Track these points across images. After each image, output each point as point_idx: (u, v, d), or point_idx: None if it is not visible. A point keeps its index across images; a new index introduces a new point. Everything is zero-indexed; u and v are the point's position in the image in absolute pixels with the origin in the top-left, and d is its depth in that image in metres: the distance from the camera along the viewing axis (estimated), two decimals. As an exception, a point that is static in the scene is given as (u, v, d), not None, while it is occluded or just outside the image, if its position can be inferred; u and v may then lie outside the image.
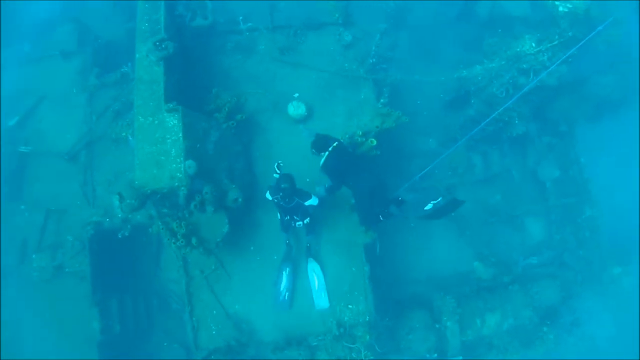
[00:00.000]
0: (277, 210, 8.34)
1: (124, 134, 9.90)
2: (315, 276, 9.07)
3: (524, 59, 9.94)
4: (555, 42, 9.71)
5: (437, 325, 10.00)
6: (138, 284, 10.88)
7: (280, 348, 8.55)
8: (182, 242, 8.03)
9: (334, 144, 7.82)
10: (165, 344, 10.78)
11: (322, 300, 9.03)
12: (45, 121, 10.98)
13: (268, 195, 8.04)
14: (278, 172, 7.98)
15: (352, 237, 9.29)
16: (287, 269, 9.08)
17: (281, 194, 7.70)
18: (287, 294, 9.00)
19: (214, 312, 9.18)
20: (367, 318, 8.96)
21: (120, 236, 9.50)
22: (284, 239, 9.11)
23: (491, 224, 11.68)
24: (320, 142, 7.84)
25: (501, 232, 11.76)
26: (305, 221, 8.41)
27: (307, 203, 7.93)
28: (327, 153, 7.79)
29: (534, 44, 9.85)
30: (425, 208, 8.02)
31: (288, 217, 8.29)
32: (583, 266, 11.27)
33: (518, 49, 9.94)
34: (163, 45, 8.16)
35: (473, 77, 10.64)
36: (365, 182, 7.94)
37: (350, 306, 9.10)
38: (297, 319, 9.08)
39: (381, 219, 8.11)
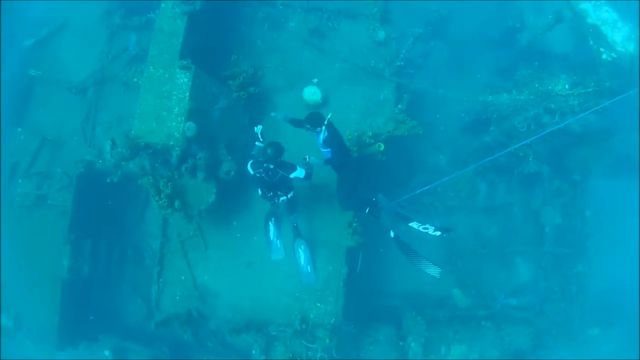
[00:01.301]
0: (258, 185, 7.75)
1: (135, 79, 9.67)
2: (302, 253, 8.79)
3: (553, 98, 9.63)
4: (590, 90, 9.37)
5: (401, 343, 9.85)
6: (117, 232, 10.78)
7: (238, 330, 8.40)
8: (164, 202, 7.88)
9: (328, 117, 7.38)
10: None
11: (309, 277, 8.81)
12: (61, 50, 10.77)
13: (249, 168, 7.44)
14: (261, 140, 7.57)
15: (337, 238, 9.06)
16: (272, 218, 8.69)
17: (265, 165, 7.22)
18: (278, 241, 8.74)
19: (183, 277, 9.09)
20: (333, 320, 8.78)
21: (109, 181, 9.33)
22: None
23: (480, 255, 11.40)
24: (315, 117, 7.39)
25: (488, 265, 11.46)
26: (289, 195, 7.92)
27: (292, 175, 7.41)
28: (324, 127, 7.30)
29: (567, 86, 9.52)
30: (411, 225, 8.06)
31: (271, 194, 7.80)
32: (562, 319, 10.96)
33: (550, 87, 9.62)
34: (191, 0, 7.90)
35: (498, 104, 10.31)
36: (352, 168, 7.86)
37: (318, 304, 8.93)
38: (263, 304, 8.95)
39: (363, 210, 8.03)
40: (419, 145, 11.50)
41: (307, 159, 7.53)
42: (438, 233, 7.99)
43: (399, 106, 9.47)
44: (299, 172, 7.39)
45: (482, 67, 12.21)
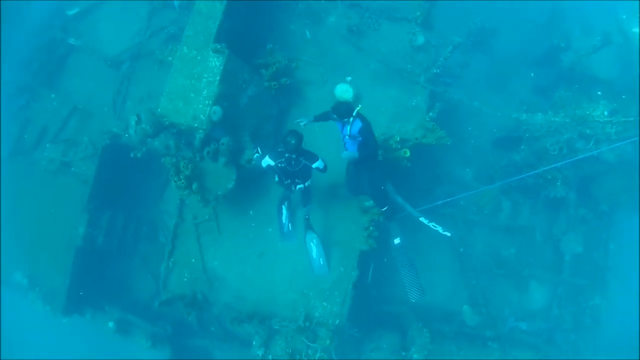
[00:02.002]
0: (277, 172, 7.51)
1: (170, 58, 9.67)
2: (314, 247, 8.68)
3: (590, 123, 9.34)
4: (631, 119, 9.05)
5: (403, 353, 9.68)
6: (135, 207, 10.90)
7: (240, 320, 8.35)
8: (182, 182, 7.87)
9: (359, 108, 7.17)
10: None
11: (321, 268, 8.73)
12: (101, 21, 10.89)
13: (268, 160, 7.28)
14: (259, 153, 7.64)
15: (352, 239, 8.93)
16: (286, 202, 8.70)
17: (287, 155, 7.08)
18: (290, 224, 8.78)
19: (193, 260, 9.09)
20: (337, 322, 8.68)
21: (132, 155, 9.38)
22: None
23: (495, 275, 11.16)
24: (343, 107, 7.16)
25: (502, 286, 11.23)
26: (306, 184, 7.77)
27: (314, 165, 7.28)
28: (351, 118, 7.10)
29: (606, 112, 9.22)
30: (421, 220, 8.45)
31: (289, 181, 7.62)
32: (571, 350, 10.69)
33: (588, 112, 9.34)
34: (232, -15, 7.89)
35: (531, 124, 10.08)
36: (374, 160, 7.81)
37: (325, 304, 8.83)
38: (269, 297, 8.90)
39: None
40: (447, 156, 11.35)
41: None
42: (448, 233, 8.37)
43: (430, 114, 9.29)
44: (320, 163, 7.30)
45: (521, 84, 11.98)
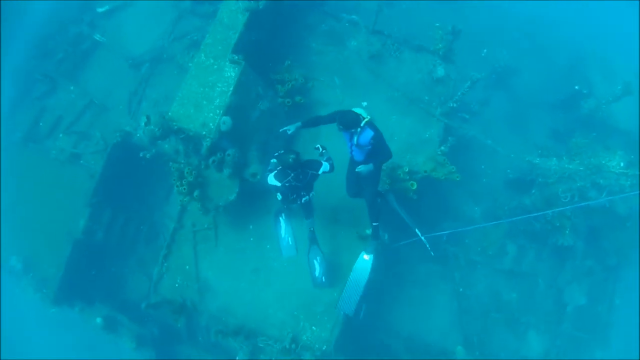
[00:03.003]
0: (280, 191, 7.41)
1: (190, 64, 9.76)
2: (317, 265, 8.44)
3: (605, 174, 9.17)
4: (647, 173, 8.85)
5: (389, 387, 9.44)
6: (139, 207, 10.88)
7: (226, 333, 8.22)
8: (184, 188, 7.86)
9: (367, 118, 6.84)
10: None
11: (322, 285, 8.50)
12: (128, 21, 11.11)
13: (274, 181, 7.19)
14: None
15: (349, 265, 8.71)
16: (282, 214, 8.52)
17: (292, 174, 7.01)
18: (289, 238, 8.52)
19: (187, 267, 9.04)
20: (324, 347, 8.49)
21: (141, 155, 9.40)
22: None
23: (493, 319, 10.88)
24: (350, 117, 6.78)
25: (499, 331, 10.93)
26: (311, 194, 7.63)
27: (320, 171, 7.22)
28: (359, 129, 6.77)
29: (622, 164, 9.05)
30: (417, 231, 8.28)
31: (294, 196, 7.51)
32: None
33: (604, 162, 9.18)
34: (256, -2, 7.94)
35: (545, 168, 9.92)
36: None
37: (314, 328, 8.65)
38: (258, 314, 8.75)
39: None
40: (456, 192, 11.18)
41: (320, 149, 7.25)
42: (432, 253, 8.43)
43: (442, 148, 9.18)
44: (325, 166, 7.20)
45: (538, 126, 11.81)
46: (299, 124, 7.20)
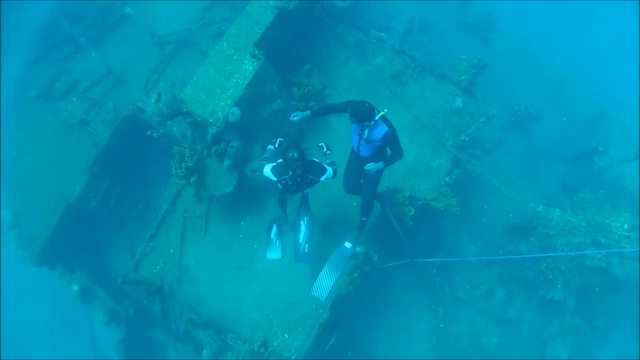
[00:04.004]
0: (279, 184, 6.87)
1: (211, 51, 9.78)
2: (304, 228, 7.94)
3: (607, 233, 9.01)
4: (648, 240, 8.68)
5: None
6: (137, 185, 10.88)
7: (197, 324, 8.08)
8: (182, 172, 7.81)
9: (383, 112, 6.32)
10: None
11: (303, 257, 7.98)
12: (161, 0, 11.13)
13: (269, 173, 6.53)
14: (275, 146, 6.80)
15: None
16: (278, 222, 8.07)
17: (290, 173, 6.30)
18: (278, 242, 8.07)
19: (171, 251, 8.98)
20: (293, 357, 8.34)
21: (148, 133, 9.40)
22: (278, 210, 7.90)
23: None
24: (364, 109, 6.19)
25: (474, 373, 10.73)
26: (313, 187, 7.09)
27: (322, 178, 6.59)
28: (372, 122, 6.24)
29: (626, 226, 8.89)
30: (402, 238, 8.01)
31: (294, 188, 6.89)
32: None
33: (607, 221, 9.01)
34: (288, -2, 7.92)
35: (547, 219, 9.75)
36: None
37: (286, 335, 8.52)
38: (233, 311, 8.63)
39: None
40: (454, 227, 11.06)
41: (324, 148, 6.95)
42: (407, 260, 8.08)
43: (447, 179, 9.03)
44: (329, 173, 6.60)
45: (548, 176, 11.67)
46: (308, 112, 6.79)
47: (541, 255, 8.63)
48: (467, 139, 9.51)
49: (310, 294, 7.89)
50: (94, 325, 10.81)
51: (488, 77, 10.04)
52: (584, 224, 9.12)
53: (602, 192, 9.84)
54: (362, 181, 7.35)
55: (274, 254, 8.16)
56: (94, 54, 10.84)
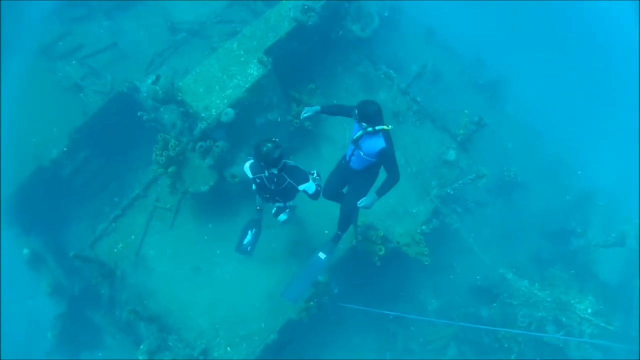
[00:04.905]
0: (254, 184, 6.30)
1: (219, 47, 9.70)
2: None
3: (570, 313, 8.97)
4: (611, 328, 8.71)
5: None
6: (116, 163, 10.67)
7: (140, 316, 7.77)
8: (161, 159, 7.63)
9: (388, 127, 5.68)
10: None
11: (244, 251, 7.59)
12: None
13: (247, 170, 6.09)
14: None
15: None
16: (254, 229, 7.53)
17: (267, 172, 5.70)
18: (249, 247, 7.58)
19: (132, 237, 8.73)
20: (232, 372, 8.08)
21: (139, 114, 9.23)
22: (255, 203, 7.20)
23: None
24: (372, 109, 5.53)
25: None
26: (288, 204, 6.64)
27: (301, 187, 5.97)
28: (371, 129, 5.59)
29: (590, 310, 8.87)
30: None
31: (267, 196, 6.37)
32: None
33: (573, 301, 8.98)
34: (309, 14, 7.88)
35: (513, 288, 9.68)
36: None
37: (229, 349, 8.25)
38: (181, 312, 8.35)
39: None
40: (420, 277, 10.91)
41: (315, 174, 6.40)
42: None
43: (423, 227, 8.95)
44: (310, 186, 5.99)
45: (524, 247, 11.64)
46: (317, 108, 6.27)
47: (500, 329, 8.51)
48: (452, 192, 9.48)
49: (281, 297, 7.61)
50: (36, 294, 10.37)
51: (485, 137, 10.07)
52: (549, 299, 9.07)
53: (573, 272, 9.83)
54: (344, 189, 6.81)
55: (243, 250, 7.67)
56: (105, 23, 10.67)
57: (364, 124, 5.61)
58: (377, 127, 5.56)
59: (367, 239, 8.46)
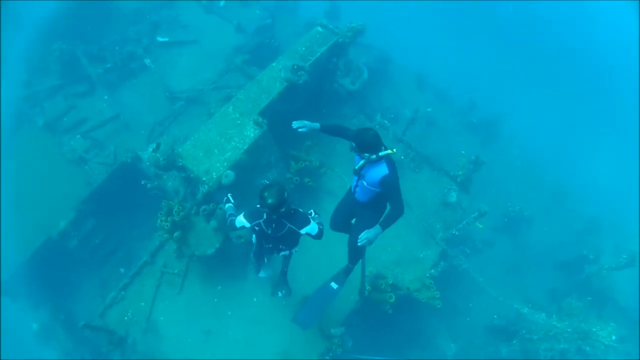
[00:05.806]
0: (254, 234, 6.03)
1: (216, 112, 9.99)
2: (280, 294, 7.44)
3: (593, 342, 8.80)
4: (638, 360, 8.45)
5: None
6: (122, 231, 10.76)
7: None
8: (167, 225, 7.74)
9: (390, 151, 5.37)
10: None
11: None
12: (181, 59, 11.63)
13: (243, 221, 5.67)
14: (231, 201, 6.07)
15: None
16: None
17: (265, 217, 5.46)
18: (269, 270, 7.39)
19: (142, 304, 8.72)
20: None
21: (142, 183, 9.43)
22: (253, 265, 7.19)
23: None
24: (370, 137, 5.28)
25: None
26: (293, 250, 6.34)
27: (303, 231, 5.64)
28: (374, 156, 5.31)
29: (614, 337, 8.67)
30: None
31: (270, 245, 6.07)
32: None
33: (594, 329, 8.81)
34: (298, 73, 8.17)
35: (532, 322, 9.57)
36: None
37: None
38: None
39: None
40: (434, 322, 10.77)
41: (313, 213, 6.01)
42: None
43: (432, 271, 8.94)
44: (312, 228, 5.64)
45: (536, 281, 11.54)
46: (317, 125, 5.96)
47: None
48: (457, 233, 9.51)
49: (293, 321, 7.71)
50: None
51: (485, 177, 10.20)
52: (569, 330, 8.93)
53: (590, 299, 9.67)
54: (353, 221, 6.55)
55: (266, 272, 7.39)
56: (106, 97, 11.06)
57: (364, 154, 5.36)
58: (380, 154, 5.31)
59: (376, 288, 8.43)
